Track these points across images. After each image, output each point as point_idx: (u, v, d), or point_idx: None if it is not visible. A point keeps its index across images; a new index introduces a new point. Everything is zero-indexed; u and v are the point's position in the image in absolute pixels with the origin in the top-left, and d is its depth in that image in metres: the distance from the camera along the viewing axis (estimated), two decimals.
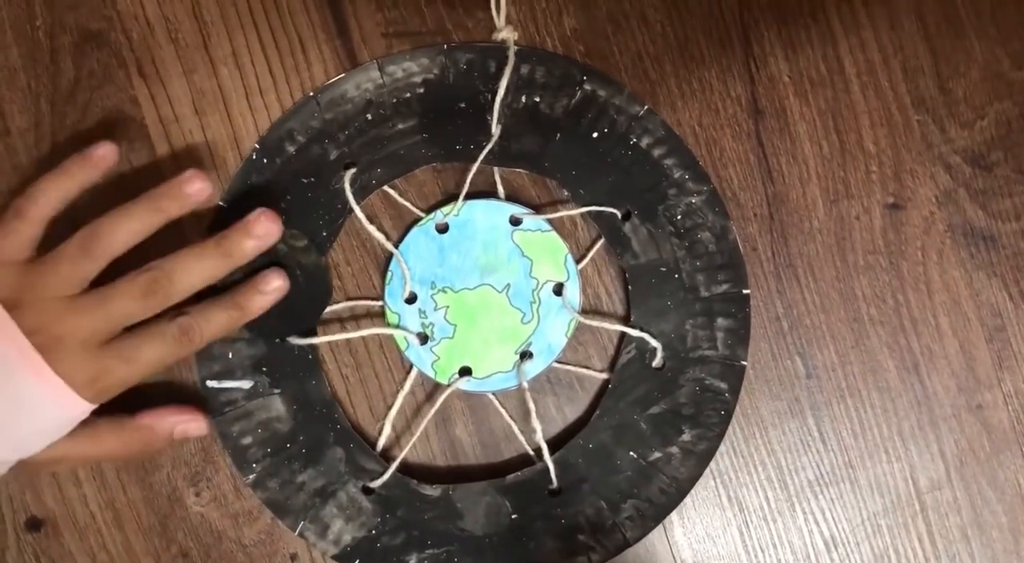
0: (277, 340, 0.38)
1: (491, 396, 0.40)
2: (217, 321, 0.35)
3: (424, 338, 0.39)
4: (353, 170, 0.39)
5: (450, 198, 0.40)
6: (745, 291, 0.39)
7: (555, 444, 0.39)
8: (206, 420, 0.37)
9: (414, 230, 0.39)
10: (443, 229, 0.39)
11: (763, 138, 0.40)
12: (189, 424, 0.37)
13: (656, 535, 0.39)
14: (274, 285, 0.36)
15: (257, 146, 0.39)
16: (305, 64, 0.39)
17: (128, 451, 0.36)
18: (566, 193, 0.40)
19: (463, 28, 0.40)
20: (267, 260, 0.36)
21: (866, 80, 0.40)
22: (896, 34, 0.41)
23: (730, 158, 0.40)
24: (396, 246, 0.39)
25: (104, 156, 0.35)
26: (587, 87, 0.39)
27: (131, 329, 0.34)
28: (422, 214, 0.40)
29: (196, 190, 0.34)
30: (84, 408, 0.33)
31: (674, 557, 0.40)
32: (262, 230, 0.34)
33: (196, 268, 0.34)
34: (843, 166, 0.40)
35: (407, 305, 0.39)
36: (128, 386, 0.34)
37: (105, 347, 0.33)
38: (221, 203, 0.39)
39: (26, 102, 0.39)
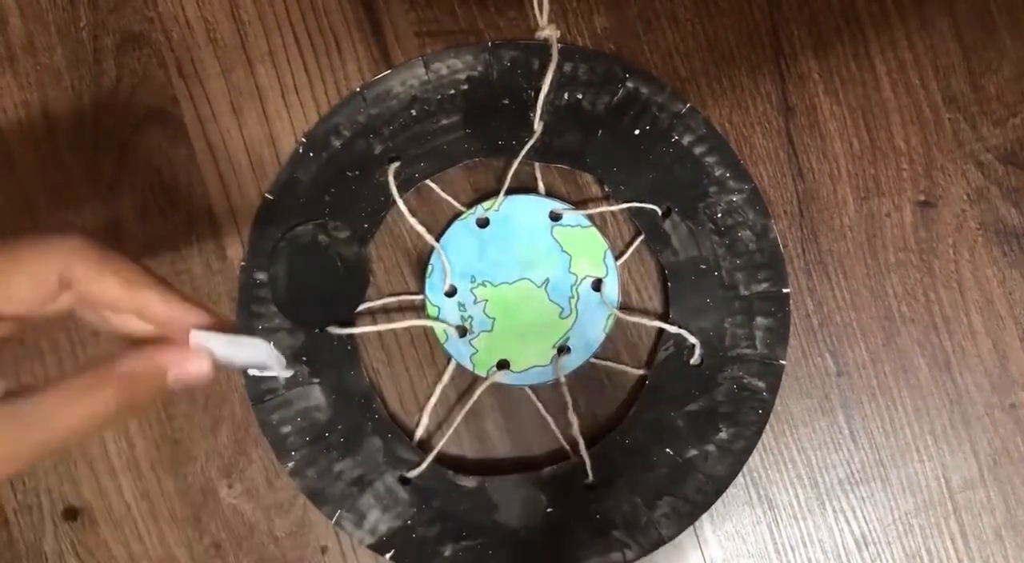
0: (317, 330, 0.39)
1: (527, 390, 0.40)
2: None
3: (463, 331, 0.40)
4: (397, 164, 0.39)
5: (491, 193, 0.40)
6: (785, 290, 0.39)
7: (585, 440, 0.39)
8: (207, 356, 0.26)
9: (455, 224, 0.40)
10: (483, 224, 0.40)
11: (793, 135, 0.40)
12: (185, 364, 0.25)
13: (685, 532, 0.39)
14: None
15: (304, 140, 0.40)
16: (340, 62, 0.40)
17: (98, 421, 0.24)
18: (606, 189, 0.40)
19: (495, 27, 0.40)
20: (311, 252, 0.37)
21: (897, 78, 0.40)
22: (927, 32, 0.41)
23: (760, 155, 0.40)
24: (437, 240, 0.40)
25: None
26: (629, 85, 0.39)
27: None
28: (463, 209, 0.40)
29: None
30: None
31: (703, 554, 0.40)
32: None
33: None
34: (874, 163, 0.40)
35: (447, 298, 0.40)
36: (36, 460, 0.24)
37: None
38: (268, 195, 0.39)
39: (70, 101, 0.40)
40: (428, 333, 0.40)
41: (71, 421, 0.23)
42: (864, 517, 0.40)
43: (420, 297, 0.40)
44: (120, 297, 0.25)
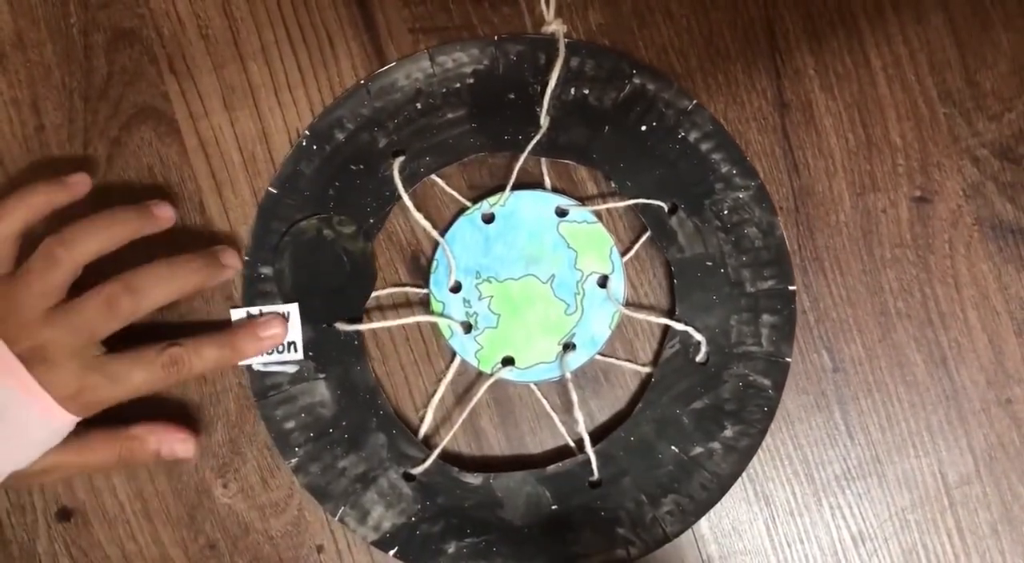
0: (323, 325, 0.39)
1: (533, 387, 0.40)
2: (208, 357, 0.36)
3: (468, 327, 0.39)
4: (402, 158, 0.39)
5: (497, 188, 0.40)
6: (791, 287, 0.39)
7: (590, 437, 0.39)
8: (195, 443, 0.38)
9: (460, 219, 0.40)
10: (489, 219, 0.40)
11: (789, 131, 0.40)
12: (176, 444, 0.37)
13: None
14: (272, 332, 0.37)
15: (307, 133, 0.39)
16: (333, 59, 0.40)
17: (117, 461, 0.36)
18: (613, 185, 0.40)
19: (489, 23, 0.40)
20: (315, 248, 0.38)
21: (892, 73, 0.40)
22: (922, 27, 0.40)
23: (756, 151, 0.40)
24: (442, 235, 0.39)
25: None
26: (636, 81, 0.39)
27: (120, 350, 0.35)
28: (468, 204, 0.40)
29: (165, 217, 0.37)
30: (69, 421, 0.34)
31: (700, 551, 0.40)
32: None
33: (161, 286, 0.35)
34: (869, 159, 0.40)
35: (452, 294, 0.39)
36: (112, 403, 0.35)
37: (93, 364, 0.34)
38: (271, 188, 0.39)
39: (60, 98, 0.40)
40: (429, 329, 0.40)
41: (97, 457, 0.36)
42: (861, 513, 0.40)
43: (423, 292, 0.40)
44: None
